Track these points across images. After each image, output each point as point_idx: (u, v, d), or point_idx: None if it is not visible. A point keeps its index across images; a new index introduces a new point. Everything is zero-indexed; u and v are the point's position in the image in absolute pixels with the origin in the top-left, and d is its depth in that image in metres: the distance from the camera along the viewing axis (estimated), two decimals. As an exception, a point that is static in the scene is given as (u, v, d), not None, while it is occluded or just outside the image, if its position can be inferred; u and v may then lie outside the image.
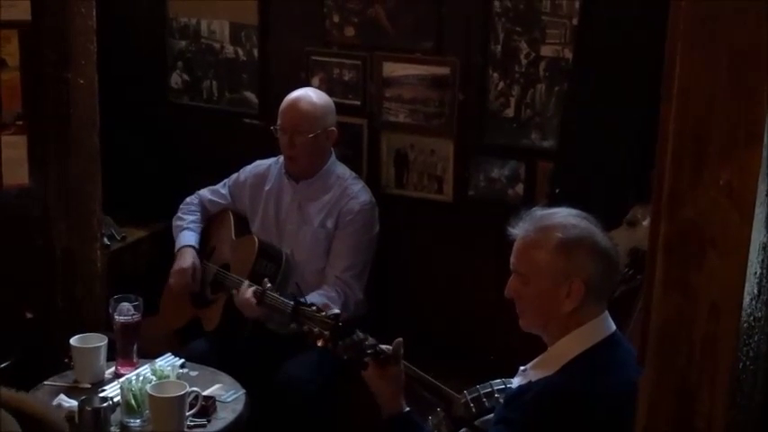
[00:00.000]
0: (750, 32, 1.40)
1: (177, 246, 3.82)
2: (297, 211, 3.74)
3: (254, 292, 3.27)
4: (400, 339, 2.55)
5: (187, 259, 3.76)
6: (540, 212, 2.33)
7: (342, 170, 3.79)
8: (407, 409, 2.51)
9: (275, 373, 3.47)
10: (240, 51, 4.28)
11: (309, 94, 3.72)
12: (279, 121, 3.71)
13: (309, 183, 3.75)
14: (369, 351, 2.54)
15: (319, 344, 2.63)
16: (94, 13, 3.34)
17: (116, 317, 3.13)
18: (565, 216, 2.30)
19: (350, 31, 4.04)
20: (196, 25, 4.35)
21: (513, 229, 2.32)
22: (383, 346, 2.55)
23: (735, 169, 1.42)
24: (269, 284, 3.19)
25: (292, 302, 2.84)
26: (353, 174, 3.81)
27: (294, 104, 3.69)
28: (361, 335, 2.58)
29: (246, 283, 3.40)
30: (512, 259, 2.33)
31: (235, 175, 3.95)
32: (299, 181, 3.75)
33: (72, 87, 3.34)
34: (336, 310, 2.67)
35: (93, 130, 3.41)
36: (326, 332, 2.62)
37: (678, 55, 1.45)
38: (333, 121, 3.73)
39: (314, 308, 2.74)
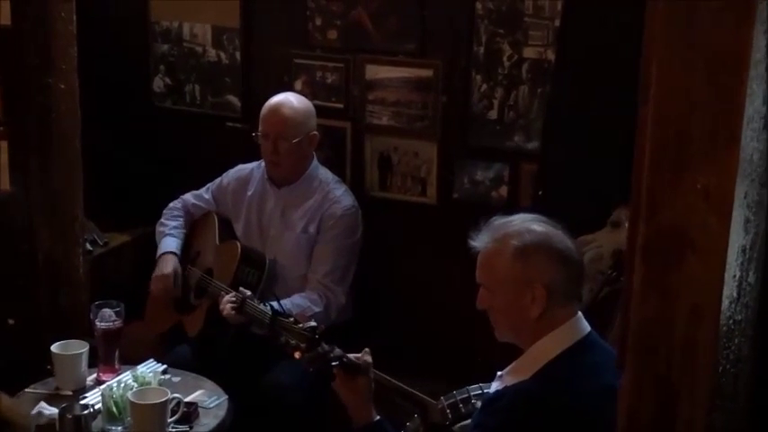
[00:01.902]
0: (728, 35, 1.40)
1: (159, 252, 3.78)
2: (280, 218, 3.71)
3: (233, 301, 3.24)
4: (367, 349, 2.57)
5: (168, 265, 3.72)
6: (497, 222, 2.34)
7: (324, 174, 3.76)
8: (378, 417, 2.51)
9: (260, 378, 3.45)
10: (223, 55, 4.26)
11: (290, 99, 3.69)
12: (261, 128, 3.68)
13: (292, 188, 3.72)
14: (334, 363, 2.55)
15: (296, 356, 2.63)
16: (75, 18, 3.31)
17: (97, 323, 3.11)
18: (521, 222, 2.30)
19: (333, 34, 4.04)
20: (178, 29, 4.33)
21: (474, 242, 2.33)
22: (351, 356, 2.56)
23: (713, 172, 1.42)
24: (248, 293, 3.17)
25: (270, 313, 2.83)
26: (336, 177, 3.79)
27: (276, 110, 3.66)
28: (326, 347, 2.59)
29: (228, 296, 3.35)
30: (476, 272, 2.34)
31: (218, 180, 3.92)
32: (282, 187, 3.73)
33: (53, 92, 3.30)
34: (313, 323, 2.65)
35: (74, 134, 3.38)
36: (303, 344, 2.62)
37: (656, 57, 1.44)
38: (314, 124, 3.71)
39: (291, 319, 2.72)
